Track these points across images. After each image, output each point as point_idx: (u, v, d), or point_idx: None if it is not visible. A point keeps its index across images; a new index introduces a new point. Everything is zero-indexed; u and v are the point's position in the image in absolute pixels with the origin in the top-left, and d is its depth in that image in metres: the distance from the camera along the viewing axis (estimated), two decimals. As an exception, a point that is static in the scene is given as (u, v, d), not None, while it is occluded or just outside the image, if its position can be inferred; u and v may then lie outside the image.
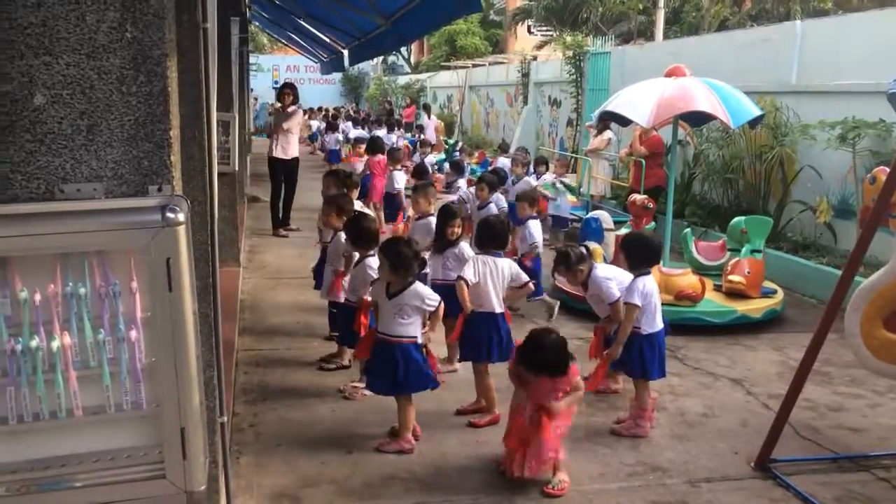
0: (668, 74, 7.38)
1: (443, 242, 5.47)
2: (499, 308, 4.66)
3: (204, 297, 3.28)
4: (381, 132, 17.74)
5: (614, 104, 7.39)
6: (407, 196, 9.29)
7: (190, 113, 3.26)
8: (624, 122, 7.91)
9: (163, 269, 1.69)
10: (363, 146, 12.53)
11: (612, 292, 4.75)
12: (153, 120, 1.86)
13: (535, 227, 6.97)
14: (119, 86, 1.83)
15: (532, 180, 9.65)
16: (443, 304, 4.29)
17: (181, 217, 1.72)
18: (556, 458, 3.85)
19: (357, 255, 5.16)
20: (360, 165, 11.64)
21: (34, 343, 1.68)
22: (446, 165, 13.46)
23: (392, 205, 9.57)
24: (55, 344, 1.69)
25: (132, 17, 1.81)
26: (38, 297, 1.68)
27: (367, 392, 4.96)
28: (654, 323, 4.53)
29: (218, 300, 3.30)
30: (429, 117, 20.85)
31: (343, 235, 5.39)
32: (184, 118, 3.01)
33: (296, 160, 10.53)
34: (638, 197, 7.84)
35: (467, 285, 4.56)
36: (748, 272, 6.91)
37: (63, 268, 1.69)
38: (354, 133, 17.41)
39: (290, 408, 4.81)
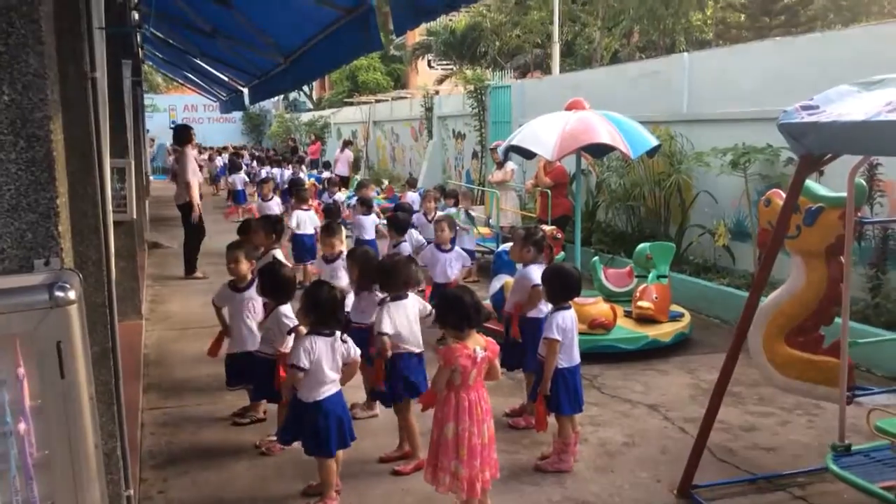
0: (569, 108, 7.57)
1: (359, 285, 5.37)
2: (417, 348, 4.57)
3: (103, 363, 3.08)
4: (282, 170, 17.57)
5: (519, 138, 7.51)
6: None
7: (80, 167, 3.08)
8: (528, 154, 8.05)
9: (53, 353, 1.53)
10: (267, 185, 12.30)
11: (537, 279, 4.91)
12: (37, 188, 1.70)
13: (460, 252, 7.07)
14: (-4, 152, 1.67)
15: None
16: (294, 372, 3.98)
17: (72, 295, 1.56)
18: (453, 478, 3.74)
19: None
20: (275, 206, 11.40)
21: None
22: (353, 200, 13.35)
23: (302, 246, 9.35)
24: (-70, 445, 1.50)
25: (9, 78, 1.66)
26: None
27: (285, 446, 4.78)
28: (571, 357, 4.55)
29: (119, 366, 3.10)
30: (341, 151, 20.73)
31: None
32: (73, 174, 2.83)
33: (185, 205, 10.23)
34: (546, 228, 7.93)
35: (387, 336, 4.45)
36: (656, 297, 7.09)
37: (-64, 357, 1.51)
38: (264, 173, 17.14)
39: (204, 469, 4.56)
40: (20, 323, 1.52)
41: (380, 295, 5.10)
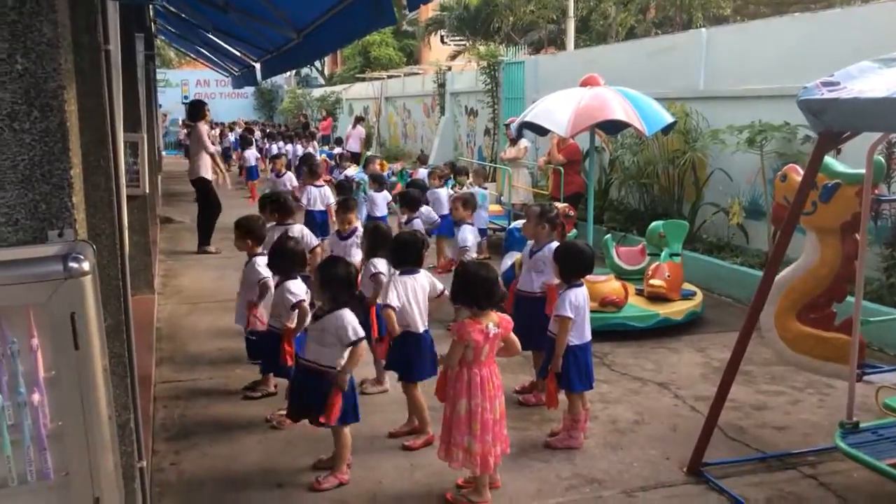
0: (584, 84, 7.49)
1: (366, 258, 5.37)
2: (422, 327, 4.54)
3: (117, 336, 3.10)
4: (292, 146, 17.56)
5: (532, 114, 7.44)
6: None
7: (94, 139, 3.07)
8: (541, 131, 7.98)
9: (67, 324, 1.53)
10: (280, 161, 12.30)
11: None
12: (51, 159, 1.69)
13: (468, 230, 7.01)
14: (10, 122, 1.65)
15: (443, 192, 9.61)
16: (363, 344, 4.04)
17: (86, 266, 1.55)
18: (468, 456, 3.75)
19: (270, 283, 5.06)
20: (288, 182, 11.39)
21: (-79, 414, 1.49)
22: (364, 176, 13.30)
23: (314, 222, 9.34)
24: (-54, 414, 1.50)
25: (23, 47, 1.64)
26: (-77, 361, 1.50)
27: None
28: (582, 335, 4.53)
29: (132, 338, 3.12)
30: (353, 127, 20.64)
31: (257, 261, 5.22)
32: (87, 146, 2.83)
33: (198, 180, 10.28)
34: (559, 205, 7.90)
35: (394, 310, 4.44)
36: (668, 276, 7.05)
37: (-49, 327, 1.51)
38: (275, 149, 17.15)
39: (215, 442, 4.60)
40: (34, 294, 1.52)
41: (374, 269, 5.09)
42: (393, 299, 4.42)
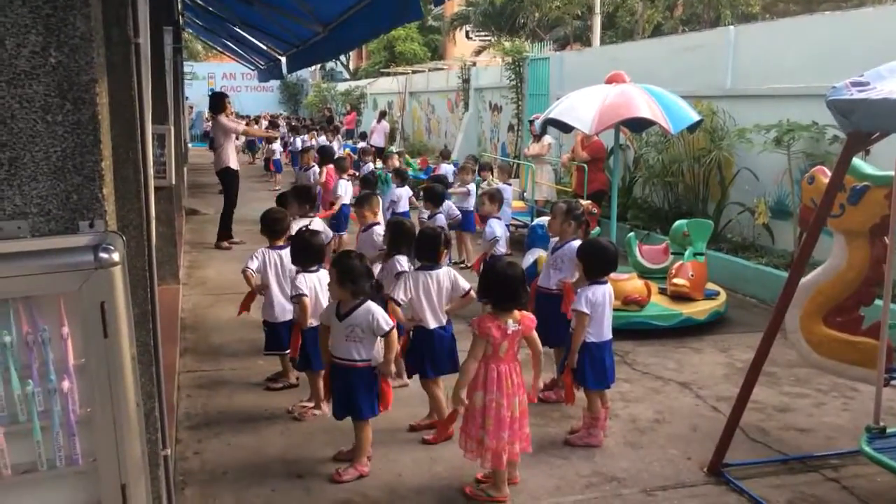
0: (609, 81, 7.45)
1: (388, 254, 5.38)
2: (434, 323, 4.51)
3: (143, 325, 3.14)
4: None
5: (557, 111, 7.42)
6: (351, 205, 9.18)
7: (123, 132, 3.11)
8: (566, 128, 7.95)
9: (97, 313, 1.56)
10: (308, 155, 12.36)
11: None
12: (82, 151, 1.72)
13: (495, 224, 7.02)
14: (43, 115, 1.69)
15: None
16: (395, 331, 4.06)
17: (116, 257, 1.58)
18: (484, 448, 3.78)
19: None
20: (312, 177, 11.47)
21: (-45, 399, 1.53)
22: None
23: (341, 215, 9.39)
24: (-22, 399, 1.54)
25: (56, 41, 1.67)
26: (-43, 347, 1.54)
27: (317, 412, 4.85)
28: (601, 333, 4.48)
29: (158, 328, 3.16)
30: (378, 122, 20.68)
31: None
32: (117, 138, 2.86)
33: (225, 170, 10.38)
34: (582, 202, 7.87)
35: (398, 305, 4.44)
36: (692, 275, 7.01)
37: (-15, 314, 1.55)
38: (299, 142, 17.29)
39: (237, 432, 4.65)
40: (65, 283, 1.55)
41: (399, 267, 5.09)
42: (399, 294, 4.44)
